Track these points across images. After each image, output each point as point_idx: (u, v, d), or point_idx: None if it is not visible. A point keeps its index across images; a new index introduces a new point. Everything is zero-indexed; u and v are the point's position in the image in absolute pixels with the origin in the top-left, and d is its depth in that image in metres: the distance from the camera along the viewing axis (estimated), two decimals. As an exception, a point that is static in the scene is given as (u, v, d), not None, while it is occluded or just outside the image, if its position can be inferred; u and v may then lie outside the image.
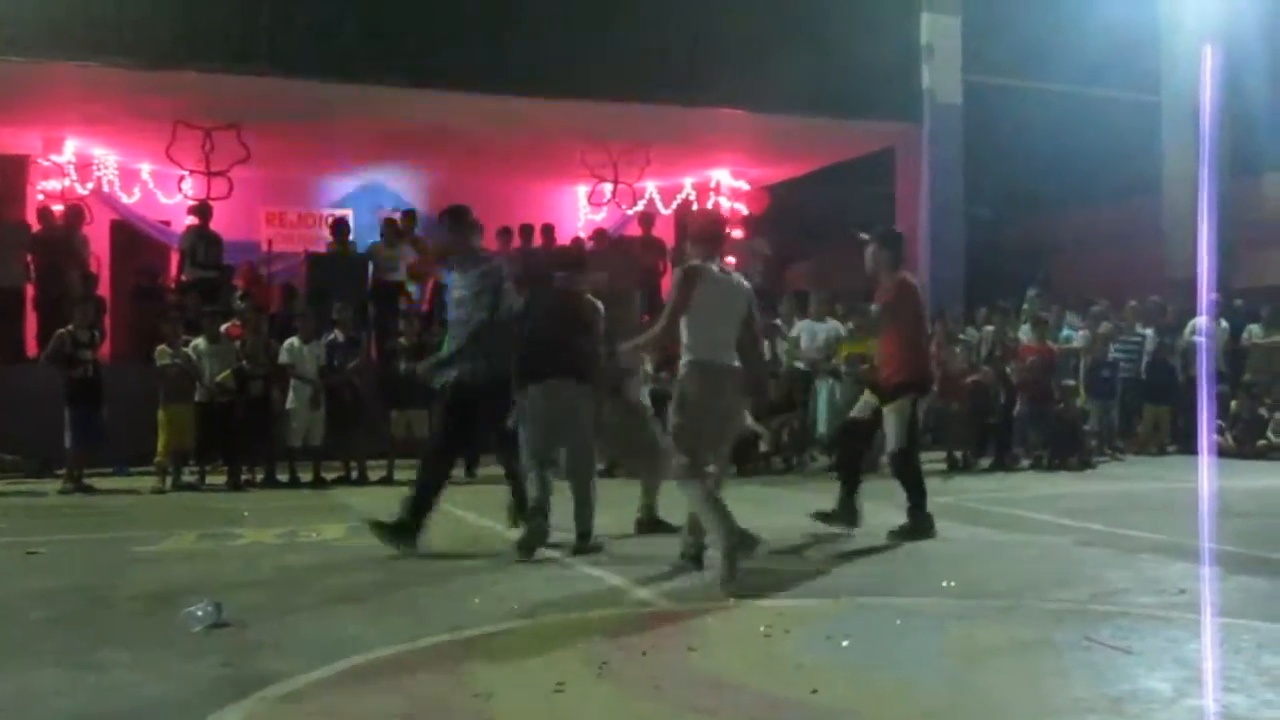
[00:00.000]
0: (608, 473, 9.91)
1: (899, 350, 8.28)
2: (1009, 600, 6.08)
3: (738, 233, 18.49)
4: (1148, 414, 15.64)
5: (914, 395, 8.24)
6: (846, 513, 8.23)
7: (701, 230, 7.15)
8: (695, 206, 19.28)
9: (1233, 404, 15.33)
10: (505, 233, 16.37)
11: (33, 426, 12.24)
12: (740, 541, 6.38)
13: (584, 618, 5.73)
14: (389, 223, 15.96)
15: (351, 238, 16.03)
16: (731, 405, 6.87)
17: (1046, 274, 16.99)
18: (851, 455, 8.54)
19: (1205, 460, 13.05)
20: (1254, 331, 15.97)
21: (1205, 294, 15.17)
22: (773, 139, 17.56)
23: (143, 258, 16.71)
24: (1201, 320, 15.32)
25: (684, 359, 6.76)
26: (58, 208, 15.70)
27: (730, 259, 8.76)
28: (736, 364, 6.77)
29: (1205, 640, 5.09)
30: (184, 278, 15.16)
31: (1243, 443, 14.78)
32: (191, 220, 15.34)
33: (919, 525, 8.14)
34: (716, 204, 19.31)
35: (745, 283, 7.05)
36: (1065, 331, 15.25)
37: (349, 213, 17.52)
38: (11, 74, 13.61)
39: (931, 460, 12.65)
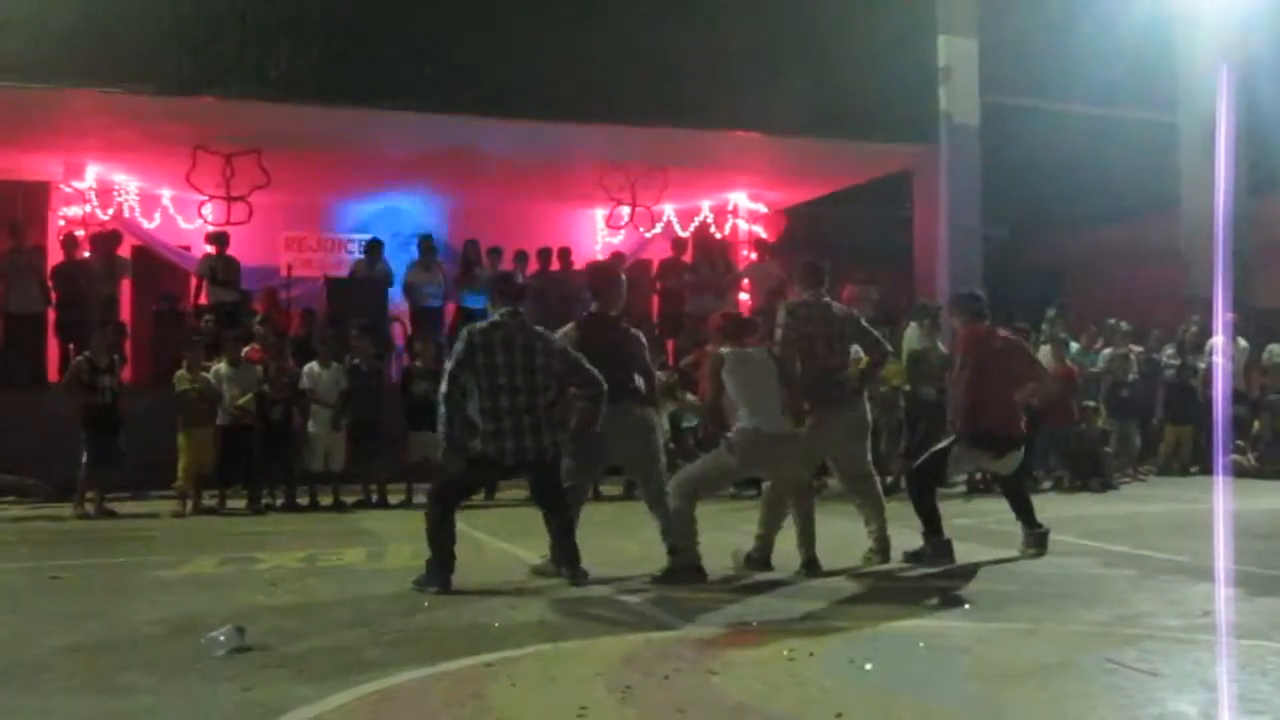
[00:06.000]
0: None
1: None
2: (1032, 623, 6.05)
3: (752, 255, 18.53)
4: (1169, 435, 15.57)
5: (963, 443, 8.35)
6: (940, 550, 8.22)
7: (725, 326, 7.94)
8: (713, 230, 19.32)
9: (1254, 424, 15.26)
10: (522, 256, 16.45)
11: (54, 451, 12.29)
12: (690, 567, 7.33)
13: (606, 642, 5.72)
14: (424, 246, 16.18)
15: (385, 257, 16.17)
16: (775, 459, 7.63)
17: (1065, 300, 16.97)
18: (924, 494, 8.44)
19: (1220, 480, 13.01)
20: (1274, 351, 15.90)
21: (1221, 314, 15.13)
22: (790, 162, 17.58)
23: (163, 283, 16.79)
24: (1218, 340, 15.27)
25: (737, 424, 7.54)
26: (80, 232, 15.78)
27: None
28: (782, 430, 7.51)
29: (1231, 663, 5.06)
30: (203, 300, 15.26)
31: (1264, 463, 14.72)
32: (209, 249, 15.44)
33: (937, 551, 8.13)
34: (735, 229, 19.33)
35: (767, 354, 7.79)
36: (1089, 355, 15.23)
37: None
38: (33, 100, 13.71)
39: (953, 482, 12.62)
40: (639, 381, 7.81)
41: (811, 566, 7.66)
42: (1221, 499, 11.27)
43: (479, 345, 7.21)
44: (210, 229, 15.74)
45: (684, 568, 7.35)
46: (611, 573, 7.57)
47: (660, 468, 7.91)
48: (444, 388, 7.23)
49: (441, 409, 7.19)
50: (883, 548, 8.13)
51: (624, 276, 8.59)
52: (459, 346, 7.31)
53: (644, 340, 8.21)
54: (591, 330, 7.85)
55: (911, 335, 13.97)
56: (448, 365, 7.35)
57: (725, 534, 8.39)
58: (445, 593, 6.98)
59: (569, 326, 7.94)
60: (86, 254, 15.40)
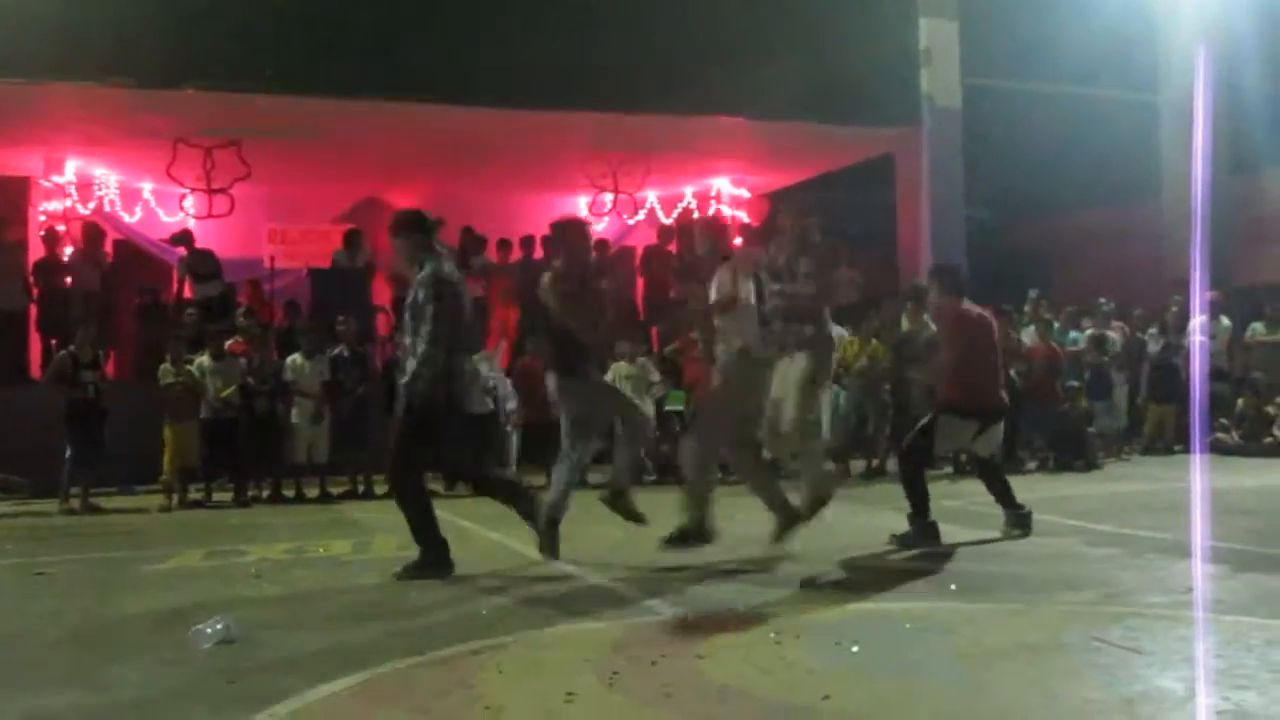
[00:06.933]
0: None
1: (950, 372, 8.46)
2: (1018, 603, 6.07)
3: (738, 240, 18.52)
4: (1152, 414, 15.62)
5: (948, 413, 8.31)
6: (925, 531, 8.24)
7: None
8: (696, 215, 19.30)
9: (1238, 401, 15.32)
10: (505, 244, 16.43)
11: (38, 448, 12.23)
12: (701, 530, 7.40)
13: (593, 628, 5.72)
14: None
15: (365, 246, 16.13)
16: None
17: (1045, 283, 17.02)
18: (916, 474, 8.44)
19: (1199, 458, 13.05)
20: (1257, 329, 15.95)
21: (1200, 293, 15.17)
22: (772, 146, 17.56)
23: (145, 276, 16.74)
24: (1197, 320, 15.29)
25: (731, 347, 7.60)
26: (61, 228, 15.73)
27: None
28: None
29: (1215, 638, 5.08)
30: (188, 295, 15.23)
31: (1249, 440, 14.77)
32: (179, 252, 15.41)
33: (923, 533, 8.16)
34: (718, 212, 19.30)
35: None
36: (1072, 334, 15.25)
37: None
38: (11, 95, 13.63)
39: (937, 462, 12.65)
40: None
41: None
42: (1204, 477, 11.31)
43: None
44: (189, 224, 15.70)
45: (694, 533, 7.40)
46: (599, 559, 7.58)
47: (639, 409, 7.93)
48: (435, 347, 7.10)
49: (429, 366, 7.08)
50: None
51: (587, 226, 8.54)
52: (448, 304, 7.14)
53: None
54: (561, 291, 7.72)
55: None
56: (436, 327, 7.11)
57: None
58: (443, 579, 7.00)
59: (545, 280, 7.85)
60: (69, 249, 15.37)
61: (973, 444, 8.59)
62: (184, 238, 15.34)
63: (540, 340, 7.75)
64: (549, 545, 7.61)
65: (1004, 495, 8.56)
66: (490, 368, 13.08)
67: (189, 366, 12.31)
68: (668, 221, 19.01)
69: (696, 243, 8.15)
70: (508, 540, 8.50)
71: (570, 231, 8.20)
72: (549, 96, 14.85)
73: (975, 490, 9.61)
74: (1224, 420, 15.08)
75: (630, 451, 7.89)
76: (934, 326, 13.08)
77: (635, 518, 7.81)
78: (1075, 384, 14.45)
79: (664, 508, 7.81)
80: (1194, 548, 7.37)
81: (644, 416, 7.92)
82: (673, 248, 18.02)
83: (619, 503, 7.83)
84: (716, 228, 8.30)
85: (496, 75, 14.55)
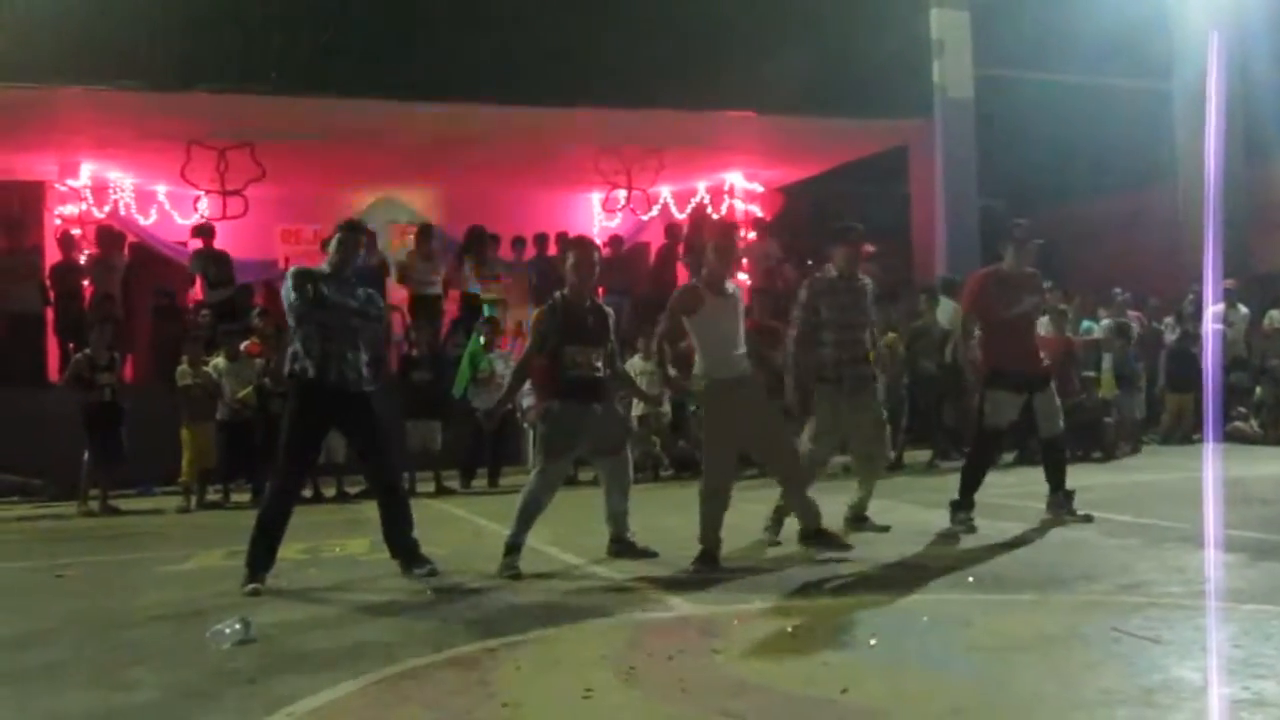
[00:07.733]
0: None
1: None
2: (1035, 594, 6.06)
3: (750, 235, 18.49)
4: (1170, 403, 15.55)
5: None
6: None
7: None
8: (710, 211, 19.29)
9: (1257, 390, 15.24)
10: (519, 242, 16.44)
11: (57, 450, 12.31)
12: (709, 557, 7.16)
13: (609, 624, 5.72)
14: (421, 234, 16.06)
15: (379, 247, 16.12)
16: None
17: (1060, 272, 16.97)
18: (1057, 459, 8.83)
19: (1214, 447, 12.99)
20: (1275, 316, 15.86)
21: (1214, 281, 15.09)
22: (785, 140, 17.53)
23: (161, 279, 16.80)
24: (1213, 309, 15.21)
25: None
26: (77, 232, 15.80)
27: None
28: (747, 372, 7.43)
29: (1234, 628, 5.07)
30: (201, 296, 15.29)
31: (1267, 429, 14.70)
32: (196, 243, 15.45)
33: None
34: (730, 210, 19.27)
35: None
36: (1086, 324, 15.19)
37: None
38: (25, 100, 13.68)
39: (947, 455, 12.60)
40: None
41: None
42: (1223, 466, 11.25)
43: None
44: (205, 223, 15.76)
45: (705, 559, 7.24)
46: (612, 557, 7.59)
47: (626, 458, 7.76)
48: None
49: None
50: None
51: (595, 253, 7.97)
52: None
53: (610, 320, 7.72)
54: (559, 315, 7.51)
55: (945, 309, 13.89)
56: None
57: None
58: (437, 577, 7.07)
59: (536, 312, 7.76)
60: (85, 255, 15.43)
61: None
62: (205, 230, 15.39)
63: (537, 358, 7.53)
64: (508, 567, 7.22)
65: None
66: (506, 366, 13.08)
67: (206, 368, 12.35)
68: (681, 217, 18.99)
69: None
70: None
71: (575, 259, 7.68)
72: (560, 93, 14.86)
73: (991, 481, 9.58)
74: (1242, 409, 15.00)
75: (619, 502, 7.67)
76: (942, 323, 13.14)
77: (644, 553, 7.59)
78: (1091, 374, 14.39)
79: (672, 502, 7.79)
80: (1211, 537, 7.34)
81: (624, 461, 7.69)
82: (680, 249, 18.00)
83: (623, 549, 7.65)
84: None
85: (508, 73, 14.56)
